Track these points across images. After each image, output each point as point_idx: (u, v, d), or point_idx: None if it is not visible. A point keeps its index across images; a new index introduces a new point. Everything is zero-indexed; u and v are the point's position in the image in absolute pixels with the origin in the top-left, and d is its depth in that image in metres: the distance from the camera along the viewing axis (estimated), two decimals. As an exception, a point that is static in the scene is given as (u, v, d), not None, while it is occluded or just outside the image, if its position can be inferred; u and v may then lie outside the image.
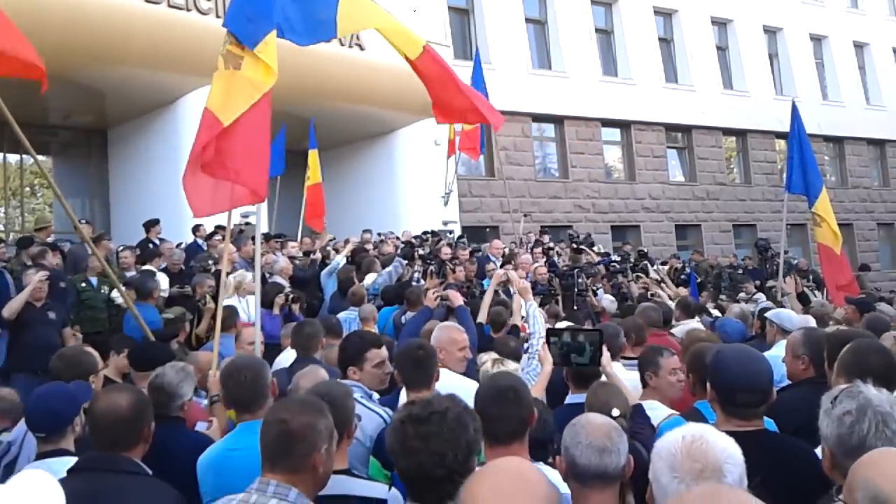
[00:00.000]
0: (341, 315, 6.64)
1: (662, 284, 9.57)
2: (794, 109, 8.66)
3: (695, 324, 6.16)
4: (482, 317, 5.10)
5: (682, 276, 11.12)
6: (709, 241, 20.90)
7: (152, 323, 5.93)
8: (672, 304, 7.29)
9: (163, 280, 7.64)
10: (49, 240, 8.78)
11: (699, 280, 12.26)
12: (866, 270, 14.70)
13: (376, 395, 3.55)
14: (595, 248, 12.37)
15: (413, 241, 9.05)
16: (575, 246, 10.99)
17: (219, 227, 8.87)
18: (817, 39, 24.57)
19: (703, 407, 3.22)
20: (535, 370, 4.00)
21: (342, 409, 2.66)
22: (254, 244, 5.77)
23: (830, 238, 7.96)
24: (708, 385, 2.65)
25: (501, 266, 7.48)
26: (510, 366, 3.89)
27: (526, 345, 4.35)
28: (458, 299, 5.46)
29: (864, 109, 24.93)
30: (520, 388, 2.63)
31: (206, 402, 4.13)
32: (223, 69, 4.58)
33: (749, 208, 22.21)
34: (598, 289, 9.19)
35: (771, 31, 23.63)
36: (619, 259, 11.38)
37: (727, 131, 22.31)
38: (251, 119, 4.47)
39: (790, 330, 4.74)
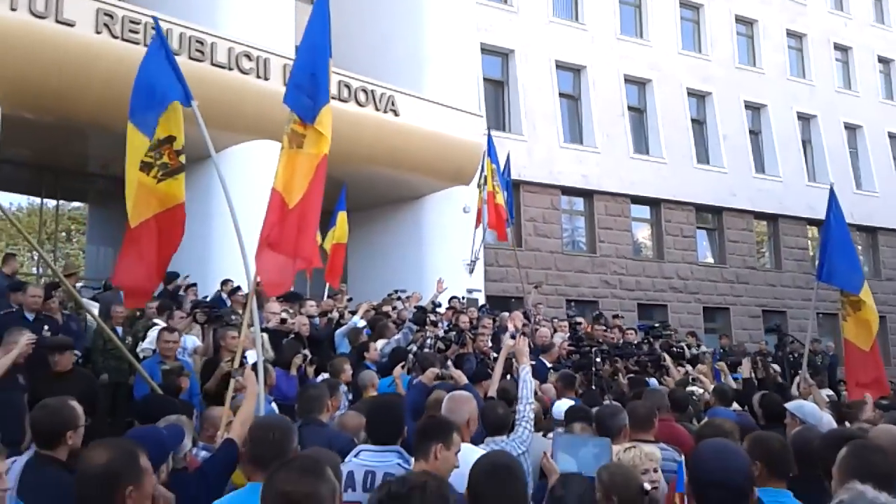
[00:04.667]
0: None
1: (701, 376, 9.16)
2: (832, 195, 8.08)
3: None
4: (492, 390, 5.00)
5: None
6: (737, 326, 20.56)
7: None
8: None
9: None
10: (78, 286, 8.88)
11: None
12: None
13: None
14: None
15: (426, 306, 9.03)
16: (604, 326, 10.71)
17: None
18: (851, 128, 24.59)
19: (764, 494, 2.96)
20: (521, 438, 4.00)
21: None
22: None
23: (853, 332, 7.70)
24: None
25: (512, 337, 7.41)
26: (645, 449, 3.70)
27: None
28: (462, 379, 5.42)
29: (899, 200, 24.69)
30: (514, 467, 2.58)
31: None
32: (287, 148, 4.88)
33: (779, 294, 21.87)
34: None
35: (805, 118, 23.71)
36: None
37: (758, 215, 22.20)
38: (311, 193, 4.78)
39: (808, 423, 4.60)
